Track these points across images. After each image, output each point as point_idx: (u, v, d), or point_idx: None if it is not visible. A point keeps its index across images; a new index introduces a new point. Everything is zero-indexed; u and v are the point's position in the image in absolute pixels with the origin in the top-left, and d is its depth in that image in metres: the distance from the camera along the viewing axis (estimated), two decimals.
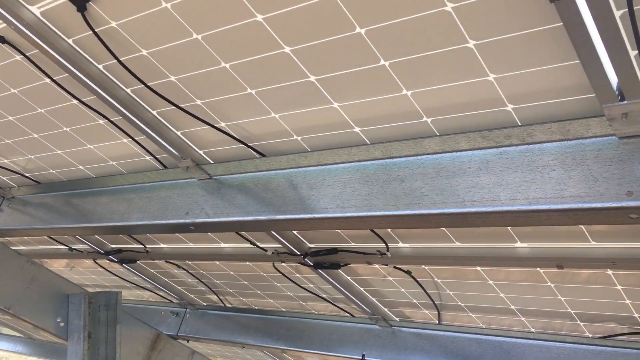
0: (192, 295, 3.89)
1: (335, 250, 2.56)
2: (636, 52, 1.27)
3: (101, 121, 2.24)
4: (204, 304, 3.95)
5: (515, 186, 1.54)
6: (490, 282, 2.47)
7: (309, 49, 1.59)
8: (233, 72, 1.76)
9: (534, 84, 1.47)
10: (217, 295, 3.73)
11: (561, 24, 1.30)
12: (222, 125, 2.02)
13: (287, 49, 1.62)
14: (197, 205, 2.24)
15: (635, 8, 1.17)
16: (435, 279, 2.62)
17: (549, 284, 2.33)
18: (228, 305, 3.84)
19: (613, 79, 1.33)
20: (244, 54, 1.68)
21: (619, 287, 2.18)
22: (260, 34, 1.59)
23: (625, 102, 1.35)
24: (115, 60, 1.83)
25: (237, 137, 2.05)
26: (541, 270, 2.24)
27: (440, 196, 1.66)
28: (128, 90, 2.00)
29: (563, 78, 1.43)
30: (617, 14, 1.22)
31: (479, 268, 2.37)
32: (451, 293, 2.68)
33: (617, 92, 1.35)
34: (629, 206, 1.36)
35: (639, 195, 1.35)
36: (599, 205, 1.40)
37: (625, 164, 1.40)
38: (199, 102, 1.94)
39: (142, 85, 1.92)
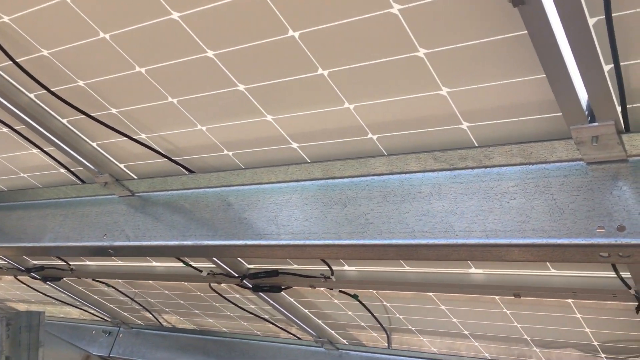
0: (126, 314, 3.60)
1: (275, 272, 2.34)
2: (610, 66, 1.10)
3: (5, 129, 1.96)
4: (140, 322, 3.66)
5: (471, 216, 1.35)
6: (443, 307, 2.29)
7: (235, 54, 1.37)
8: (150, 77, 1.51)
9: (492, 100, 1.28)
10: (152, 314, 3.45)
11: (525, 32, 1.11)
12: (143, 137, 1.77)
13: (210, 53, 1.38)
14: (116, 226, 1.98)
15: (613, 15, 0.99)
16: (385, 303, 2.43)
17: (505, 310, 2.16)
18: (165, 324, 3.56)
19: (583, 96, 1.15)
20: (160, 58, 1.44)
21: (578, 315, 2.03)
22: (178, 35, 1.35)
23: (595, 123, 1.17)
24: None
25: (160, 150, 1.80)
26: (497, 297, 2.07)
27: (387, 224, 1.45)
28: (31, 96, 1.73)
29: (525, 94, 1.25)
30: (591, 21, 1.04)
31: (430, 293, 2.19)
32: (401, 317, 2.49)
33: (586, 112, 1.17)
34: (599, 244, 1.18)
35: (611, 231, 1.17)
36: (565, 241, 1.22)
37: (595, 194, 1.23)
38: (113, 110, 1.69)
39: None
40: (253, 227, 1.67)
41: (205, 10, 1.27)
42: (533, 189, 1.30)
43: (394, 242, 1.43)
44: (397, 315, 2.49)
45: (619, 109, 1.15)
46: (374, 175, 1.54)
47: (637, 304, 1.74)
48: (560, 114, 1.23)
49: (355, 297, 2.38)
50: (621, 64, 1.07)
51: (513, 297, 1.99)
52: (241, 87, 1.46)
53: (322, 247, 1.54)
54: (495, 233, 1.30)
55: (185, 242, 1.79)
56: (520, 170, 1.34)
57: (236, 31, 1.30)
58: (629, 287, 1.65)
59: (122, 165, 1.95)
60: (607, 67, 1.10)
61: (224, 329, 3.34)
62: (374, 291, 2.34)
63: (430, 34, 1.17)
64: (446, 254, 1.38)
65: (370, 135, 1.48)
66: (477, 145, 1.38)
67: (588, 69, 1.07)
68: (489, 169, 1.38)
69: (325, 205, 1.58)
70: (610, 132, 1.17)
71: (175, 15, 1.30)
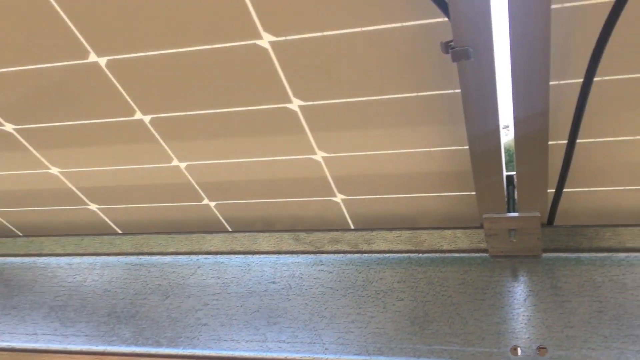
0: None
1: None
2: (559, 142, 0.82)
3: None
4: None
5: (346, 322, 1.00)
6: None
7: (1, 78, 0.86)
8: None
9: (380, 168, 0.95)
10: None
11: (433, 92, 0.80)
12: None
13: None
14: None
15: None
16: None
17: None
18: None
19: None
20: None
21: None
22: None
23: (516, 214, 0.90)
24: None
25: None
26: None
27: (228, 328, 1.05)
28: None
29: (423, 164, 0.93)
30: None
31: None
32: None
33: (506, 198, 0.89)
34: None
35: (530, 354, 0.90)
36: None
37: (505, 300, 0.95)
38: None
39: None
40: (25, 320, 1.15)
41: None
42: (426, 288, 0.99)
43: (238, 354, 1.03)
44: None
45: (550, 192, 0.89)
46: (208, 254, 1.13)
47: None
48: (466, 193, 0.94)
49: None
50: (579, 140, 0.80)
51: None
52: (8, 127, 0.95)
53: (129, 356, 1.08)
54: (378, 349, 0.96)
55: None
56: (407, 260, 1.03)
57: (3, 45, 0.80)
58: None
59: None
60: (556, 142, 0.83)
61: None
62: None
63: (309, 82, 0.80)
64: None
65: (206, 201, 1.07)
66: (353, 228, 1.04)
67: (531, 143, 0.78)
68: (367, 255, 1.05)
69: (138, 294, 1.13)
70: (533, 227, 0.90)
71: None
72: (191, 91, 0.84)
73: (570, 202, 0.92)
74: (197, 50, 0.77)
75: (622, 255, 0.95)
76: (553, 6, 0.65)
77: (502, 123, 0.77)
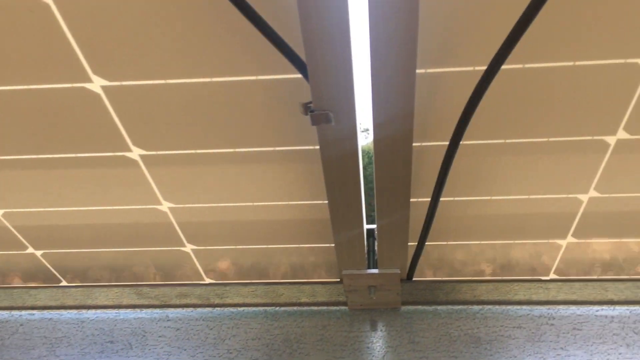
0: None
1: None
2: (421, 199, 0.79)
3: None
4: None
5: None
6: None
7: None
8: None
9: (234, 219, 0.87)
10: None
11: (290, 148, 0.73)
12: None
13: None
14: None
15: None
16: None
17: None
18: None
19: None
20: None
21: None
22: None
23: (376, 270, 0.86)
24: None
25: None
26: None
27: None
28: None
29: (282, 215, 0.87)
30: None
31: None
32: None
33: (367, 254, 0.85)
34: None
35: None
36: None
37: (364, 356, 0.91)
38: None
39: None
40: None
41: None
42: (282, 345, 0.93)
43: None
44: None
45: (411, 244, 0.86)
46: (33, 309, 0.97)
47: None
48: (326, 245, 0.89)
49: None
50: (443, 199, 0.77)
51: None
52: None
53: None
54: None
55: None
56: (263, 315, 0.96)
57: None
58: None
59: None
60: (419, 200, 0.79)
61: None
62: None
63: (150, 130, 0.70)
64: None
65: (31, 250, 0.92)
66: (207, 282, 0.95)
67: (393, 199, 0.74)
68: (219, 309, 0.96)
69: None
70: (393, 283, 0.86)
71: None
72: (10, 133, 0.70)
73: (428, 255, 0.90)
74: (12, 90, 0.64)
75: (477, 307, 0.94)
76: (418, 71, 0.60)
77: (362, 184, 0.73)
